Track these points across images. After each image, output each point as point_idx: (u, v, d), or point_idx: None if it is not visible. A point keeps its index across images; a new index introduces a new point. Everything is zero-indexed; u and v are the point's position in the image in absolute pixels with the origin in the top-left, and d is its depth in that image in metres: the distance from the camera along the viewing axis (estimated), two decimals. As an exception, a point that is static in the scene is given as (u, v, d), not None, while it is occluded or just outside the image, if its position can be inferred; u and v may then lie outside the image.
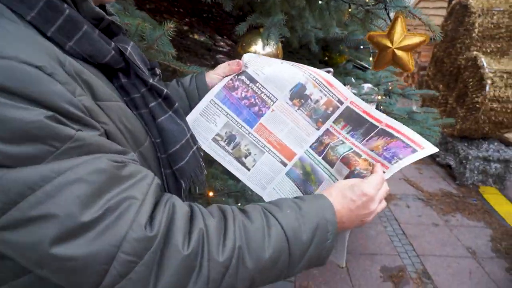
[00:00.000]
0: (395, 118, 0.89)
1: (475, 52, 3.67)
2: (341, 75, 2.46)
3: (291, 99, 0.92)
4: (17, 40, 0.49)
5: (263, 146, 0.94)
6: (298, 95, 0.92)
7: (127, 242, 0.49)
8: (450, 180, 4.15)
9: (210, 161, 0.98)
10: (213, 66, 1.01)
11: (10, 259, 0.50)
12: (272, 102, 0.93)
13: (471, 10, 3.71)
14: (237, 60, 0.95)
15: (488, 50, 3.70)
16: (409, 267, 2.70)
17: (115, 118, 0.60)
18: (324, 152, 0.90)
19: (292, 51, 2.41)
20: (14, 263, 0.51)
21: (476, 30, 3.66)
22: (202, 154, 0.84)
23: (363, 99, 0.91)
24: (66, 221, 0.47)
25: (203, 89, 0.94)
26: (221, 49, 2.78)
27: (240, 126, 0.93)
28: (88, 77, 0.56)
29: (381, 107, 2.19)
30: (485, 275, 2.64)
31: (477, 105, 3.57)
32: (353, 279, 2.56)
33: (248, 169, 0.95)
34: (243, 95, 0.93)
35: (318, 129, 0.93)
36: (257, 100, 0.93)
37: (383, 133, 0.84)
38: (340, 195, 0.71)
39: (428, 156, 0.79)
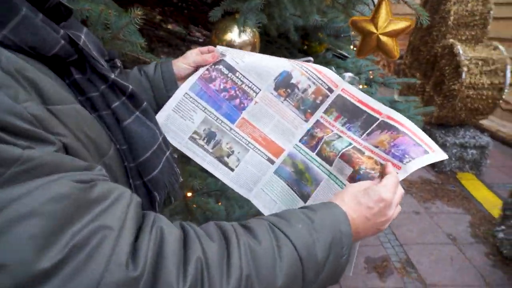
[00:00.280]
0: None
1: (451, 40, 3.69)
2: (321, 64, 2.40)
3: (276, 89, 0.84)
4: None
5: (247, 143, 0.86)
6: (284, 84, 0.83)
7: None
8: (428, 167, 4.19)
9: (188, 157, 0.89)
10: (187, 58, 0.93)
11: None
12: (254, 94, 0.84)
13: (446, -2, 3.72)
14: (210, 46, 0.85)
15: (463, 38, 3.73)
16: (393, 257, 2.69)
17: (73, 126, 0.49)
18: (318, 147, 0.82)
19: (270, 41, 2.32)
20: None
21: (451, 18, 3.67)
22: (176, 156, 0.74)
23: None
24: (20, 271, 0.36)
25: (170, 80, 0.83)
26: (196, 39, 2.66)
27: (220, 122, 0.85)
28: (33, 75, 0.45)
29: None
30: (466, 261, 2.68)
31: (454, 93, 3.60)
32: (338, 272, 2.54)
33: (232, 170, 0.86)
34: (221, 87, 0.84)
35: (307, 121, 0.85)
36: (237, 92, 0.84)
37: (386, 126, 0.76)
38: (354, 201, 0.63)
39: None
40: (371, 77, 2.53)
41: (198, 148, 0.85)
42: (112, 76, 0.60)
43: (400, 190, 0.67)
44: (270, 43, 2.33)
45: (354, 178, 0.72)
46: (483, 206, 3.36)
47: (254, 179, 0.86)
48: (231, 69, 0.83)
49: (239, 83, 0.84)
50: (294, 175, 0.84)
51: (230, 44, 1.25)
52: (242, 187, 0.87)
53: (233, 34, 1.42)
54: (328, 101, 0.84)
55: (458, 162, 3.92)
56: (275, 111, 0.85)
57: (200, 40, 2.64)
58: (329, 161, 0.78)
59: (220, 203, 1.32)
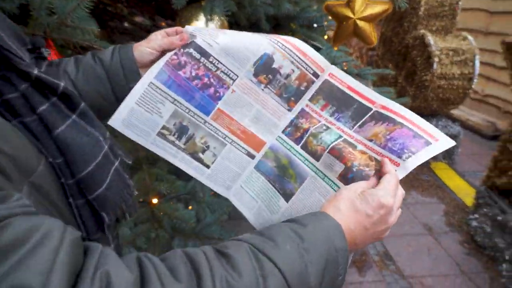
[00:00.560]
0: None
1: (422, 31, 3.71)
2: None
3: (256, 75, 0.73)
4: None
5: (224, 136, 0.76)
6: (264, 69, 0.73)
7: None
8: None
9: (154, 159, 0.78)
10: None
11: None
12: (231, 81, 0.73)
13: (416, -12, 3.72)
14: (178, 27, 0.73)
15: (434, 28, 3.76)
16: (371, 250, 2.67)
17: None
18: (303, 140, 0.72)
19: (240, 31, 2.21)
20: None
21: (422, 9, 3.69)
22: (130, 162, 0.62)
23: None
24: None
25: (131, 68, 0.71)
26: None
27: (192, 114, 0.74)
28: None
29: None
30: (442, 251, 2.69)
31: (426, 83, 3.63)
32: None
33: (208, 167, 0.77)
34: (193, 74, 0.72)
35: (290, 110, 0.76)
36: (212, 79, 0.73)
37: (380, 118, 0.67)
38: (351, 208, 0.54)
39: None
40: (346, 68, 2.47)
41: (168, 145, 0.74)
42: (35, 71, 0.47)
43: (401, 191, 0.58)
44: (241, 32, 2.22)
45: (346, 176, 0.63)
46: (456, 195, 3.41)
47: (233, 176, 0.78)
48: (203, 52, 0.72)
49: (213, 69, 0.73)
50: (276, 170, 0.75)
51: None
52: (219, 185, 0.78)
53: (199, 23, 1.30)
54: (314, 88, 0.75)
55: (430, 152, 3.96)
56: (254, 100, 0.75)
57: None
58: (316, 156, 0.70)
59: (190, 207, 1.21)
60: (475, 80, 3.62)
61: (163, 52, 0.73)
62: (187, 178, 0.78)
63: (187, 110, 0.73)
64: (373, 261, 2.56)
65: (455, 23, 3.77)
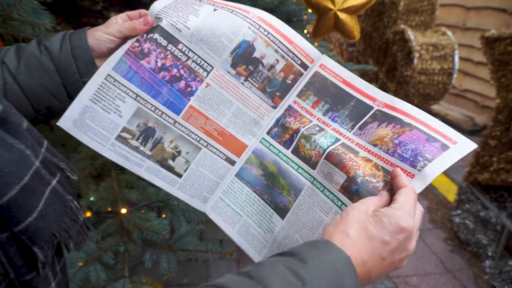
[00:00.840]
0: None
1: (402, 26, 3.68)
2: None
3: (234, 66, 0.63)
4: None
5: (198, 139, 0.65)
6: (244, 59, 0.63)
7: None
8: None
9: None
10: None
11: None
12: (205, 73, 0.62)
13: (395, -17, 3.69)
14: (142, 10, 0.62)
15: (413, 24, 3.74)
16: (356, 250, 2.61)
17: None
18: (294, 143, 0.62)
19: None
20: None
21: (401, 4, 3.66)
22: (76, 178, 0.49)
23: None
24: None
25: (85, 58, 0.59)
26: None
27: (159, 113, 0.62)
28: None
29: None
30: (426, 248, 2.66)
31: (407, 79, 3.61)
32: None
33: (179, 176, 0.65)
34: (159, 64, 0.61)
35: (275, 107, 0.65)
36: (182, 71, 0.62)
37: (385, 118, 0.57)
38: (363, 234, 0.44)
39: None
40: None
41: (130, 151, 0.62)
42: None
43: (420, 210, 0.48)
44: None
45: (349, 188, 0.53)
46: (438, 191, 3.40)
47: (210, 186, 0.67)
48: (171, 39, 0.60)
49: (183, 58, 0.61)
50: (263, 179, 0.64)
51: None
52: (194, 197, 0.67)
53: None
54: (303, 81, 0.65)
55: (411, 148, 3.96)
56: (233, 96, 0.64)
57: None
58: (311, 163, 0.59)
59: (164, 216, 1.09)
60: (454, 75, 3.62)
61: (124, 40, 0.61)
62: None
63: (152, 108, 0.62)
64: (358, 261, 2.51)
65: (434, 18, 3.77)
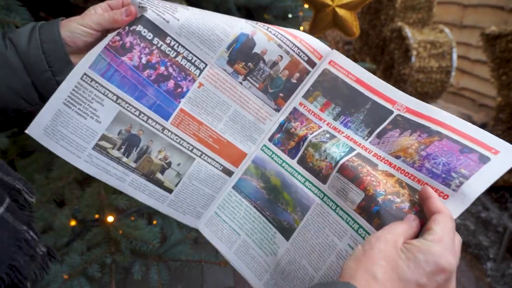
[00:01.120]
0: None
1: (399, 23, 3.63)
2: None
3: (231, 62, 0.55)
4: None
5: (191, 148, 0.57)
6: (243, 55, 0.55)
7: None
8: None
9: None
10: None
11: None
12: (198, 71, 0.55)
13: (393, -20, 3.64)
14: None
15: (411, 21, 3.70)
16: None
17: None
18: (300, 152, 0.54)
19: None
20: None
21: (399, 1, 3.61)
22: (33, 200, 0.41)
23: None
24: None
25: (56, 53, 0.51)
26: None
27: (144, 118, 0.54)
28: None
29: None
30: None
31: (404, 77, 3.55)
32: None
33: (169, 191, 0.57)
34: (143, 62, 0.53)
35: (278, 110, 0.58)
36: (170, 69, 0.54)
37: (408, 125, 0.49)
38: (394, 277, 0.35)
39: None
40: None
41: (111, 163, 0.54)
42: None
43: (458, 240, 0.40)
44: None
45: (368, 209, 0.45)
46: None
47: (204, 201, 0.59)
48: (157, 31, 0.53)
49: (172, 54, 0.54)
50: (265, 193, 0.56)
51: None
52: (186, 213, 0.59)
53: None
54: (310, 81, 0.57)
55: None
56: (230, 97, 0.57)
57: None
58: (321, 176, 0.52)
59: (155, 222, 1.01)
60: (452, 73, 3.58)
61: (105, 33, 0.53)
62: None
63: (136, 113, 0.54)
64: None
65: (431, 15, 3.72)
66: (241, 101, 0.57)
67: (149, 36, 0.52)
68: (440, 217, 0.39)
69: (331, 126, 0.54)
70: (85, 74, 0.51)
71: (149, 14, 0.52)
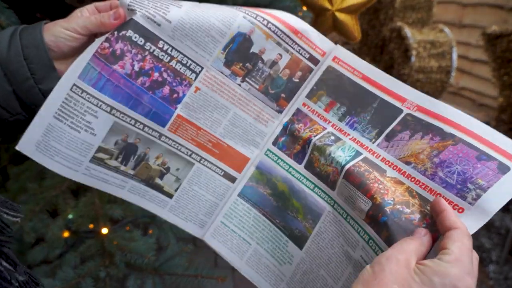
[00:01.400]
0: None
1: (399, 23, 3.61)
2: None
3: (228, 64, 0.52)
4: None
5: (189, 153, 0.55)
6: (240, 55, 0.52)
7: None
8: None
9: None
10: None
11: None
12: (194, 75, 0.52)
13: (392, -21, 3.62)
14: (113, 0, 0.51)
15: (410, 21, 3.68)
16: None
17: None
18: (307, 157, 0.51)
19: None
20: None
21: (398, 0, 3.59)
22: (17, 220, 0.38)
23: None
24: None
25: (40, 59, 0.47)
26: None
27: (140, 126, 0.52)
28: None
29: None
30: (428, 252, 2.58)
31: (404, 77, 3.53)
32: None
33: (170, 196, 0.56)
34: (136, 69, 0.50)
35: (280, 111, 0.55)
36: (165, 75, 0.51)
37: (419, 126, 0.45)
38: None
39: None
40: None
41: (109, 173, 0.53)
42: None
43: (476, 258, 0.37)
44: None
45: (376, 219, 0.42)
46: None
47: (207, 208, 0.57)
48: (148, 35, 0.49)
49: (166, 59, 0.50)
50: (273, 200, 0.54)
51: None
52: (188, 220, 0.57)
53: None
54: (313, 79, 0.54)
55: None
56: (229, 100, 0.54)
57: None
58: (329, 182, 0.49)
59: (151, 232, 0.98)
60: (452, 73, 3.55)
61: (92, 38, 0.50)
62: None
63: (132, 122, 0.51)
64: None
65: (431, 15, 3.70)
66: (241, 104, 0.54)
67: (141, 41, 0.49)
68: (456, 234, 0.36)
69: (336, 128, 0.51)
70: (74, 85, 0.48)
71: (139, 17, 0.48)
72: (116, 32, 0.48)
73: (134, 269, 0.89)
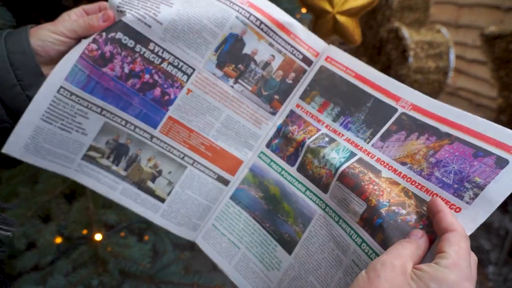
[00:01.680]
0: None
1: (396, 23, 3.60)
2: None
3: (220, 65, 0.52)
4: None
5: (182, 156, 0.54)
6: (232, 57, 0.52)
7: None
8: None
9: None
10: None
11: None
12: (185, 77, 0.51)
13: (388, -20, 3.61)
14: (102, 2, 0.49)
15: (407, 21, 3.67)
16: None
17: None
18: (300, 159, 0.50)
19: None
20: None
21: (395, 1, 3.58)
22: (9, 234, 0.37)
23: None
24: None
25: (27, 65, 0.46)
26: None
27: (131, 127, 0.52)
28: None
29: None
30: (427, 253, 2.57)
31: (402, 78, 3.53)
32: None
33: (162, 200, 0.55)
34: (126, 71, 0.49)
35: (274, 113, 0.54)
36: (155, 76, 0.50)
37: (414, 126, 0.44)
38: None
39: None
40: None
41: (101, 172, 0.53)
42: None
43: (474, 261, 0.36)
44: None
45: (371, 222, 0.41)
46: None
47: (200, 212, 0.56)
48: (138, 37, 0.48)
49: (157, 61, 0.49)
50: (264, 203, 0.53)
51: None
52: (181, 225, 0.56)
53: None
54: (306, 80, 0.54)
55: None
56: (221, 102, 0.53)
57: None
58: (321, 185, 0.47)
59: (147, 238, 0.96)
60: (450, 74, 3.55)
61: (78, 40, 0.48)
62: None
63: (123, 122, 0.51)
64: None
65: (428, 15, 3.70)
66: (234, 106, 0.54)
67: (131, 43, 0.48)
68: (453, 236, 0.35)
69: (330, 129, 0.50)
70: (62, 87, 0.47)
71: (128, 19, 0.47)
72: (104, 34, 0.47)
73: (128, 277, 0.86)
